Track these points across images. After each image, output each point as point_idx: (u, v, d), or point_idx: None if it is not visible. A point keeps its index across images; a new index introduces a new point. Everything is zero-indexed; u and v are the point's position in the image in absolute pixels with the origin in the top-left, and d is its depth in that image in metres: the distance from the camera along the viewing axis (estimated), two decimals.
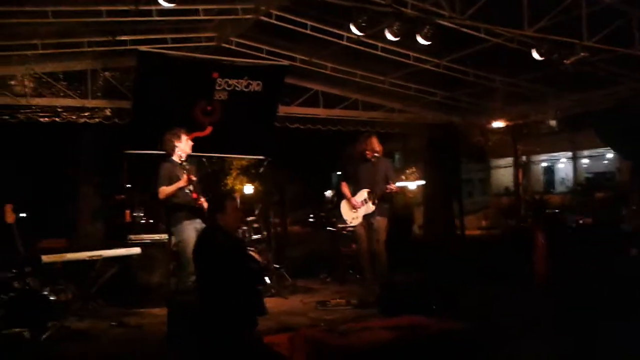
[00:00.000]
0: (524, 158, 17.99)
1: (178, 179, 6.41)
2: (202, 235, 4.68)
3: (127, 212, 9.79)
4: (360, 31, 6.78)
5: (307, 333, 4.99)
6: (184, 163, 6.44)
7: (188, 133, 6.92)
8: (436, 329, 4.91)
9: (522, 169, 17.71)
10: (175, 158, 6.60)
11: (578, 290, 6.74)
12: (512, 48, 8.10)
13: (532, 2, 6.88)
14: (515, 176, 15.64)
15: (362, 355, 4.27)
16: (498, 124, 12.04)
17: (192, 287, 5.51)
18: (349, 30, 7.24)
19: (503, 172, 22.76)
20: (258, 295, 4.65)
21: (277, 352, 4.71)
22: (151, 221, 9.57)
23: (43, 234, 8.72)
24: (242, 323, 4.38)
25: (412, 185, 18.39)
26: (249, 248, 7.97)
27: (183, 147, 6.64)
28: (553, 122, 11.58)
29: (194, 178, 6.35)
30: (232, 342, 4.38)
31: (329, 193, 22.71)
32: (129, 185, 10.47)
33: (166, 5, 6.07)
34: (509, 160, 16.91)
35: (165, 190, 6.38)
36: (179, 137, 6.68)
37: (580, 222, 9.32)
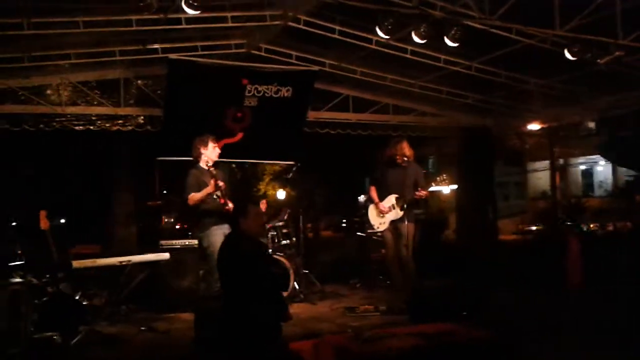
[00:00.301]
0: (561, 161, 17.61)
1: (206, 185, 6.43)
2: (225, 241, 4.69)
3: (163, 217, 9.93)
4: (387, 34, 6.73)
5: (332, 340, 4.95)
6: (211, 169, 6.47)
7: (218, 140, 6.94)
8: (464, 337, 4.82)
9: (559, 172, 17.34)
10: (202, 164, 6.63)
11: (610, 297, 6.55)
12: (545, 49, 7.94)
13: (564, 1, 6.73)
14: (552, 179, 15.34)
15: None
16: (533, 126, 11.82)
17: (219, 292, 5.52)
18: (378, 34, 7.19)
19: (540, 176, 22.34)
20: (281, 301, 4.62)
21: (302, 359, 4.67)
22: (184, 227, 9.68)
23: (80, 240, 8.90)
24: (265, 329, 4.36)
25: (446, 189, 18.24)
26: (277, 253, 7.98)
27: (209, 154, 6.67)
28: (591, 124, 11.31)
29: (221, 184, 6.38)
30: (256, 348, 4.37)
31: (362, 198, 22.62)
32: (165, 192, 10.60)
33: (191, 12, 6.13)
34: (546, 163, 16.59)
35: (194, 197, 6.42)
36: (205, 144, 6.71)
37: (610, 228, 9.07)
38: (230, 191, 6.86)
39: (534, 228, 16.35)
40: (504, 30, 7.53)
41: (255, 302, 4.30)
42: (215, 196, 6.45)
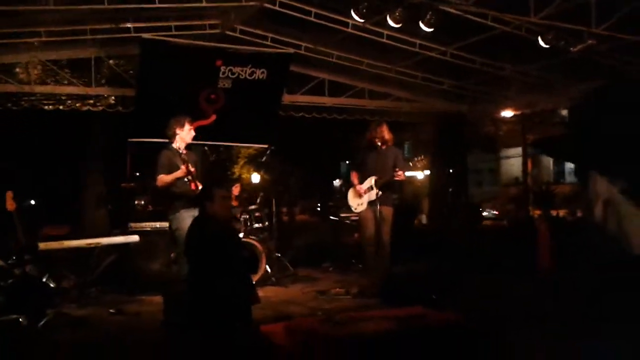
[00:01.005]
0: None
1: (177, 167, 6.33)
2: (192, 223, 4.66)
3: (135, 199, 9.79)
4: (362, 18, 6.70)
5: (302, 322, 4.95)
6: (183, 153, 6.37)
7: (192, 122, 6.84)
8: (434, 320, 4.85)
9: (532, 159, 17.52)
10: (175, 145, 6.53)
11: (577, 283, 6.64)
12: (520, 36, 7.97)
13: None
14: (524, 166, 15.52)
15: (357, 345, 4.22)
16: (507, 113, 11.90)
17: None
18: (354, 18, 7.15)
19: (513, 162, 22.58)
20: (249, 283, 4.61)
21: (272, 342, 4.66)
22: (159, 209, 9.55)
23: (50, 222, 8.76)
24: (233, 310, 4.34)
25: (420, 174, 18.27)
26: (250, 237, 7.95)
27: (184, 135, 6.55)
28: (564, 112, 11.42)
29: (192, 169, 6.28)
30: (225, 330, 4.35)
31: (337, 182, 22.65)
32: (138, 174, 10.47)
33: None
34: (519, 150, 16.74)
35: (163, 178, 6.32)
36: (182, 125, 6.58)
37: (580, 214, 9.20)
38: (203, 174, 6.78)
39: (495, 212, 16.59)
40: (480, 16, 7.53)
41: (222, 284, 4.27)
42: (185, 180, 6.36)
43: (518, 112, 11.89)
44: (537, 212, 13.07)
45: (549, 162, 25.39)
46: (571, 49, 7.31)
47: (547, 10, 6.93)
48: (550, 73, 9.70)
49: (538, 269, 7.90)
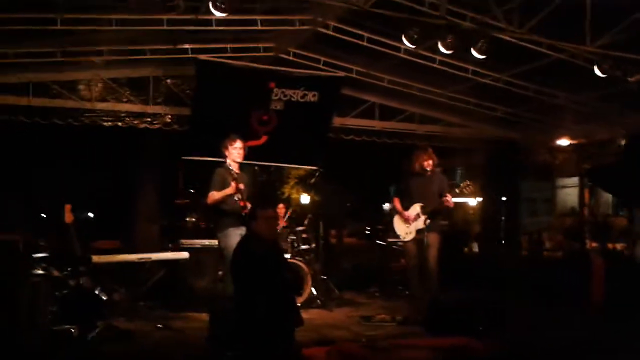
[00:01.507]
0: None
1: (229, 185, 6.47)
2: (238, 243, 4.72)
3: (187, 216, 9.98)
4: (412, 44, 6.71)
5: (345, 347, 4.95)
6: (233, 171, 6.49)
7: (243, 141, 6.95)
8: (479, 352, 4.78)
9: (590, 189, 17.05)
10: (227, 164, 6.65)
11: (632, 318, 6.41)
12: (576, 64, 7.83)
13: (596, 16, 6.62)
14: (580, 196, 15.09)
15: None
16: (562, 141, 11.65)
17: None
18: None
19: (569, 192, 21.94)
20: (293, 305, 4.63)
21: None
22: (211, 226, 9.69)
23: (104, 235, 9.01)
24: (275, 332, 4.37)
25: (472, 201, 17.99)
26: (296, 258, 7.99)
27: (235, 153, 6.68)
28: (622, 142, 11.10)
29: (241, 187, 6.39)
30: (266, 350, 4.38)
31: (386, 206, 22.50)
32: (192, 190, 10.67)
33: (218, 14, 6.19)
34: (576, 180, 16.30)
35: (213, 195, 6.46)
36: (230, 144, 6.73)
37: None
38: (254, 194, 6.88)
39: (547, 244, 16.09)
40: (534, 43, 7.45)
41: (264, 304, 4.31)
42: (236, 198, 6.47)
43: (574, 141, 11.62)
44: (594, 244, 12.67)
45: (608, 194, 24.61)
46: (629, 78, 7.13)
47: (604, 39, 6.80)
48: (608, 103, 9.47)
49: (591, 303, 7.64)
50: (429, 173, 7.34)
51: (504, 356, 4.64)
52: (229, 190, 6.38)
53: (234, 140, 6.69)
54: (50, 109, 8.92)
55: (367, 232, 20.65)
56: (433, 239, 7.20)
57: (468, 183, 7.36)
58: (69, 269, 6.29)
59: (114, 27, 7.45)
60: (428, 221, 7.17)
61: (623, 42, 6.85)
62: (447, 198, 7.13)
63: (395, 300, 8.61)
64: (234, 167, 6.59)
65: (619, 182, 10.31)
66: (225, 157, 6.66)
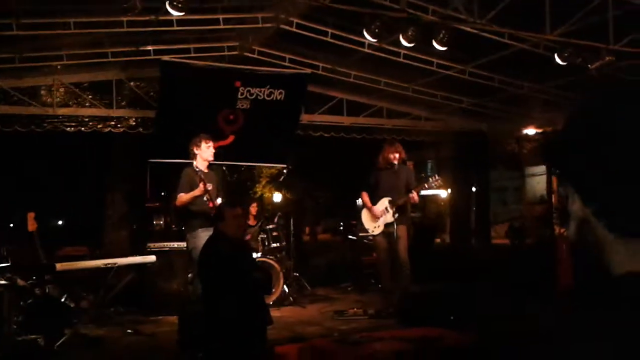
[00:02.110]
0: None
1: (197, 186, 6.40)
2: (205, 244, 4.67)
3: (156, 219, 9.87)
4: (375, 38, 6.71)
5: (316, 344, 4.93)
6: (200, 172, 6.42)
7: (209, 140, 6.86)
8: (450, 342, 4.79)
9: (557, 177, 17.22)
10: (195, 165, 6.58)
11: (598, 304, 6.49)
12: (537, 53, 7.91)
13: (556, 5, 6.69)
14: (548, 184, 15.28)
15: None
16: (529, 131, 11.78)
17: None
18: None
19: (539, 180, 22.25)
20: (262, 304, 4.59)
21: None
22: (182, 228, 9.60)
23: (72, 242, 8.86)
24: (245, 331, 4.33)
25: (444, 193, 18.13)
26: (267, 256, 7.95)
27: (203, 154, 6.62)
28: None
29: (209, 187, 6.33)
30: (237, 351, 4.34)
31: (359, 201, 22.54)
32: (163, 193, 10.55)
33: (175, 14, 6.11)
34: (544, 168, 16.51)
35: (181, 197, 6.39)
36: (198, 144, 6.66)
37: None
38: (224, 194, 6.82)
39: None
40: (495, 34, 7.50)
41: (232, 304, 4.27)
42: (205, 199, 6.41)
43: (540, 130, 11.76)
44: (563, 230, 12.85)
45: None
46: (589, 65, 7.22)
47: (564, 28, 6.87)
48: (570, 91, 9.58)
49: (558, 288, 7.75)
50: (395, 167, 7.35)
51: (475, 344, 4.66)
52: (196, 192, 6.31)
53: (207, 140, 6.63)
54: (12, 116, 8.73)
55: (340, 228, 20.68)
56: (402, 231, 7.23)
57: (437, 178, 7.40)
58: (34, 277, 6.17)
59: (72, 31, 7.31)
60: (396, 215, 7.19)
61: (583, 31, 6.92)
62: (412, 195, 7.16)
63: (368, 294, 8.65)
64: (202, 168, 6.52)
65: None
66: (195, 156, 6.59)
